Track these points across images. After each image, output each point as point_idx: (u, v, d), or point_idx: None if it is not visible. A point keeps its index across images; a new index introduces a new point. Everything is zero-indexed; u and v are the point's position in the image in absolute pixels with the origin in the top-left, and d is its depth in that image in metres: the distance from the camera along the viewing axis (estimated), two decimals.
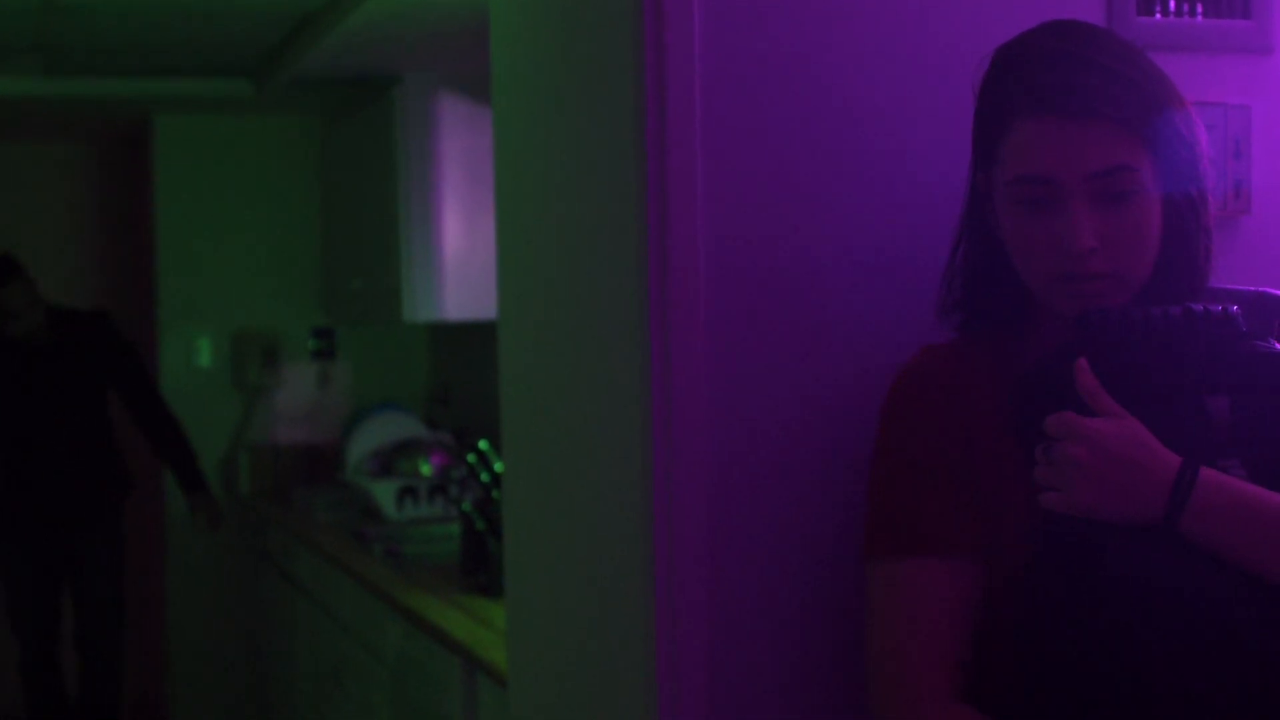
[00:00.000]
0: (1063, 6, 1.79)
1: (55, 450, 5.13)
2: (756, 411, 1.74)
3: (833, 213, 1.77)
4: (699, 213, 1.71)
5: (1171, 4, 1.88)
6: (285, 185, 6.06)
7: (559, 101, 2.02)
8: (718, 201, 1.73)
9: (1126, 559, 1.39)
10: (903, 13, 1.79)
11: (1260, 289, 1.57)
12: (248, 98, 5.54)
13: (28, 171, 6.67)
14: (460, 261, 4.94)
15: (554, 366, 2.07)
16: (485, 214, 4.85)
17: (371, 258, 5.32)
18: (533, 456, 2.17)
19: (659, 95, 1.71)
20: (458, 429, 5.40)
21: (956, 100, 1.74)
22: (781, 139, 1.75)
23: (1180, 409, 1.45)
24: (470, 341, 5.59)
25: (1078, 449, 1.42)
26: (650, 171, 1.71)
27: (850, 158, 1.77)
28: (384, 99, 5.06)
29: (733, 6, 1.73)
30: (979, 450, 1.55)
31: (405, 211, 4.94)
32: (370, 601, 4.18)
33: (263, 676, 5.80)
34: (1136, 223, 1.49)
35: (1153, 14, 1.87)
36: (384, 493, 5.04)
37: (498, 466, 3.94)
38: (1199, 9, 1.89)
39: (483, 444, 4.07)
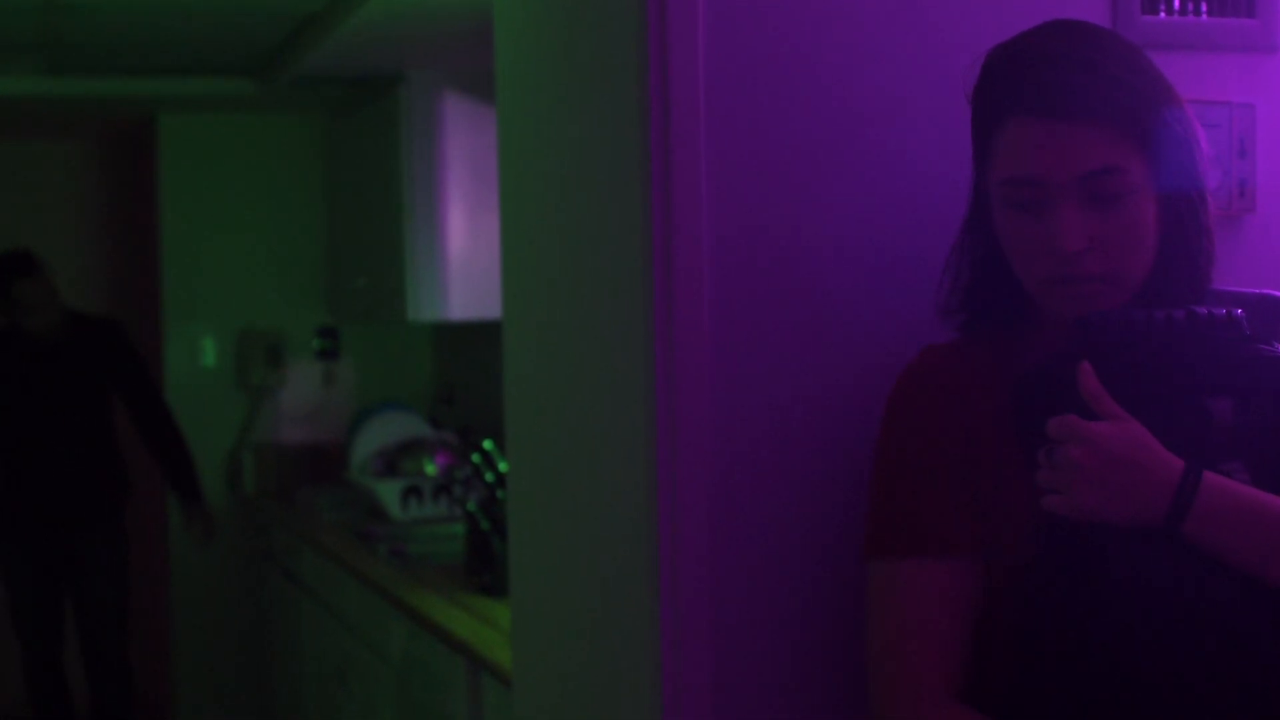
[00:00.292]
0: (1066, 6, 1.79)
1: (57, 449, 5.14)
2: (760, 411, 1.74)
3: (836, 212, 1.77)
4: (703, 212, 1.71)
5: (1176, 2, 1.88)
6: (289, 184, 6.06)
7: (563, 100, 2.02)
8: (722, 200, 1.73)
9: (1128, 562, 1.39)
10: (906, 11, 1.79)
11: (1264, 291, 1.57)
12: (252, 97, 5.54)
13: (31, 171, 6.67)
14: (464, 261, 4.94)
15: (558, 366, 2.07)
16: (489, 213, 4.85)
17: (376, 257, 5.32)
18: (537, 456, 2.17)
19: (663, 93, 1.71)
20: (462, 428, 5.40)
21: (960, 99, 1.73)
22: (785, 137, 1.75)
23: (1183, 412, 1.44)
24: (475, 341, 5.59)
25: (1080, 451, 1.41)
26: (654, 170, 1.71)
27: (854, 157, 1.77)
28: (388, 98, 5.06)
29: (736, 5, 1.73)
30: (980, 451, 1.55)
31: (409, 210, 4.95)
32: (375, 601, 4.19)
33: (267, 676, 5.80)
34: (1129, 224, 1.48)
35: (1157, 12, 1.87)
36: (388, 492, 5.04)
37: (502, 466, 3.94)
38: (1204, 7, 1.89)
39: (487, 444, 4.07)
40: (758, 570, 1.75)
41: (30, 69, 5.19)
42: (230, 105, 5.81)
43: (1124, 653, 1.37)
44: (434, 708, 3.66)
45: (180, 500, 5.35)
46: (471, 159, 4.92)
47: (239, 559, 5.98)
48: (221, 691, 6.02)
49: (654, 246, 1.72)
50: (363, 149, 5.46)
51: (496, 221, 2.34)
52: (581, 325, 1.97)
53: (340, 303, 5.91)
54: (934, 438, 1.56)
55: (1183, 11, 1.88)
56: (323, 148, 6.06)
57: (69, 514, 5.19)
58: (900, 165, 1.78)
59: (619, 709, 1.87)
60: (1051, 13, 1.65)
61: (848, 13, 1.77)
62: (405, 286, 4.97)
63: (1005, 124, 1.50)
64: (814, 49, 1.76)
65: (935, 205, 1.77)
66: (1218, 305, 1.49)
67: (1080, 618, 1.39)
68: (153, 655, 6.36)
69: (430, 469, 5.16)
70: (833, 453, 1.76)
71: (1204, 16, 1.89)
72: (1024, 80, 1.48)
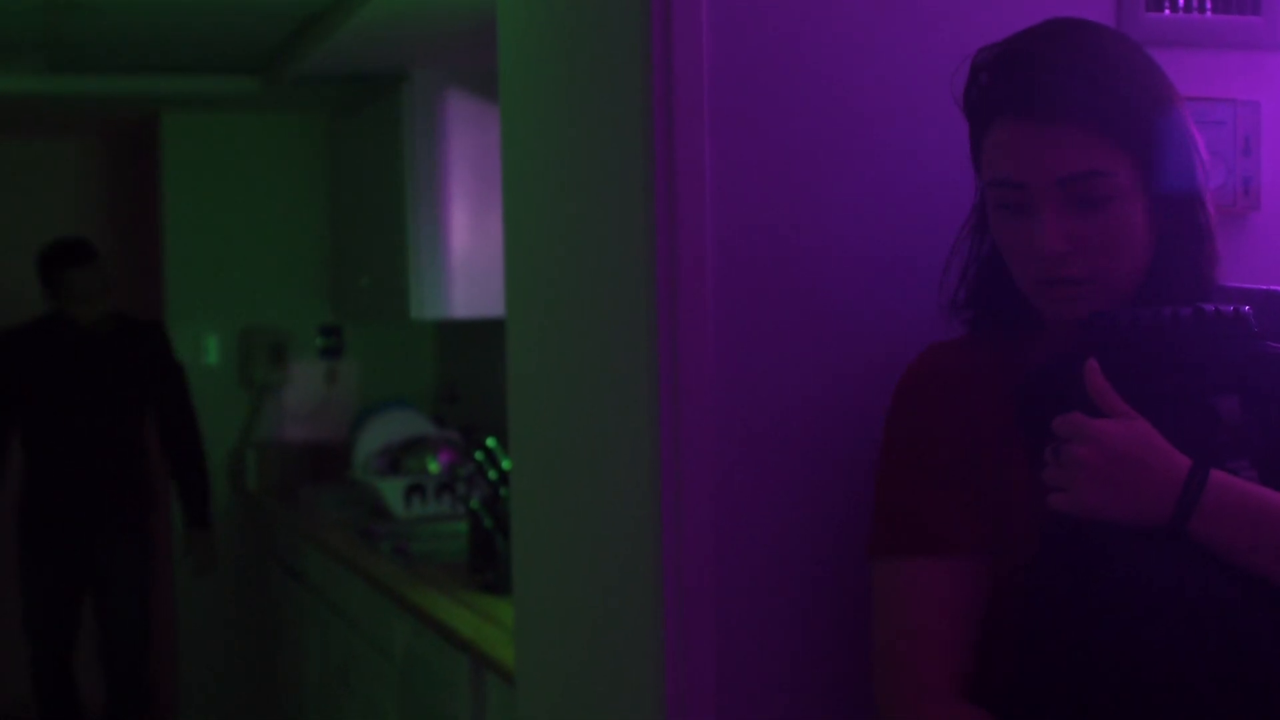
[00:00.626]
0: (1070, 3, 1.79)
1: (87, 443, 5.01)
2: (763, 410, 1.74)
3: (839, 212, 1.76)
4: (707, 210, 1.71)
5: (1180, 0, 1.88)
6: (292, 183, 6.06)
7: (566, 99, 2.02)
8: (724, 200, 1.73)
9: (1133, 560, 1.38)
10: (908, 12, 1.79)
11: (1271, 288, 1.56)
12: (255, 95, 5.54)
13: (34, 169, 6.67)
14: (468, 259, 4.94)
15: (562, 364, 2.07)
16: (493, 211, 4.86)
17: (379, 255, 5.32)
18: (540, 454, 2.17)
19: (666, 93, 1.70)
20: (465, 426, 5.40)
21: None
22: (789, 136, 1.75)
23: (1190, 410, 1.44)
24: (478, 339, 5.59)
25: (1086, 449, 1.41)
26: (658, 169, 1.71)
27: (858, 155, 1.77)
28: (391, 96, 5.06)
29: (740, 5, 1.73)
30: (985, 449, 1.55)
31: (413, 209, 4.95)
32: (378, 599, 4.19)
33: (270, 674, 5.81)
34: (1114, 227, 1.47)
35: (1162, 10, 1.86)
36: (391, 490, 5.04)
37: (505, 464, 3.94)
38: (1208, 5, 1.89)
39: (490, 441, 4.07)
40: (761, 568, 1.74)
41: (33, 67, 5.19)
42: (233, 104, 5.81)
43: (1126, 653, 1.36)
44: (437, 706, 3.66)
45: (186, 525, 5.24)
46: (474, 158, 4.92)
47: (242, 557, 5.98)
48: (224, 689, 6.03)
49: (657, 245, 1.72)
50: (366, 148, 5.46)
51: (499, 220, 2.34)
52: (585, 323, 1.96)
53: (343, 301, 5.91)
54: (937, 437, 1.56)
55: (1187, 9, 1.88)
56: (326, 146, 6.06)
57: (92, 515, 5.08)
58: (903, 165, 1.78)
59: (622, 707, 1.86)
60: (1054, 10, 1.65)
61: (850, 13, 1.77)
62: (408, 284, 4.97)
63: (991, 126, 1.50)
64: (817, 49, 1.76)
65: (937, 205, 1.77)
66: (1224, 302, 1.48)
67: (1082, 617, 1.39)
68: (156, 652, 6.36)
69: (433, 467, 5.16)
70: (836, 451, 1.76)
71: (1209, 14, 1.89)
72: (1008, 82, 1.48)
